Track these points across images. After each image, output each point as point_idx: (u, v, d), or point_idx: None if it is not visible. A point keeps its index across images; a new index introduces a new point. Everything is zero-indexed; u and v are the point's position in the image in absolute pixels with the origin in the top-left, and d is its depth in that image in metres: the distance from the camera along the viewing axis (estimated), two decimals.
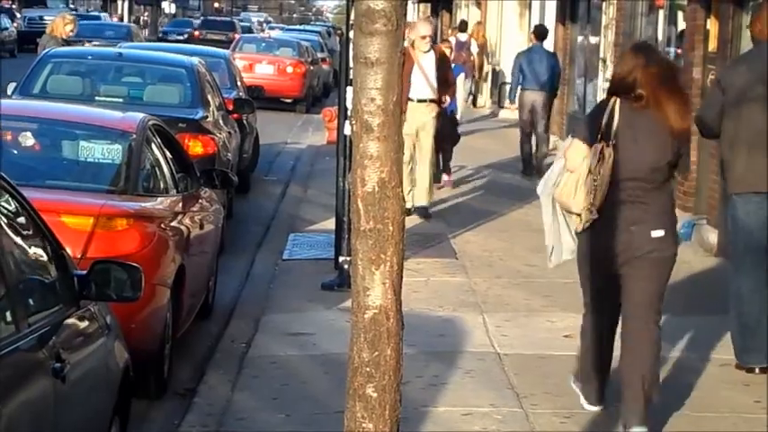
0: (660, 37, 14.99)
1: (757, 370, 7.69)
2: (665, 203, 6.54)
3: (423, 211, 13.28)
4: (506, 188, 15.91)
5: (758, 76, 7.58)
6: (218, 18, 66.39)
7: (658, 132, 6.41)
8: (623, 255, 6.43)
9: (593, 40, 19.49)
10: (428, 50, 13.36)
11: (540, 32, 17.79)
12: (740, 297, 7.68)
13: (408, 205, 12.57)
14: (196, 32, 51.05)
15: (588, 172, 6.41)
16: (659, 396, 6.59)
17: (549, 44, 19.66)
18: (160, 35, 45.08)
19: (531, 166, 16.91)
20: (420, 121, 13.28)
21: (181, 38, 42.30)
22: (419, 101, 13.29)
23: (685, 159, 6.96)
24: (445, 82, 13.52)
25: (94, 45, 25.30)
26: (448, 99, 13.79)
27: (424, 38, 13.40)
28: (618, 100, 6.45)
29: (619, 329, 6.69)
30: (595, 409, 6.94)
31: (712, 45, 12.66)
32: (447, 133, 14.68)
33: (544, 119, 17.01)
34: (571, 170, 6.50)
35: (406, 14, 4.44)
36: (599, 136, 6.41)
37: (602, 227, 6.45)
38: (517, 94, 17.17)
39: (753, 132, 7.53)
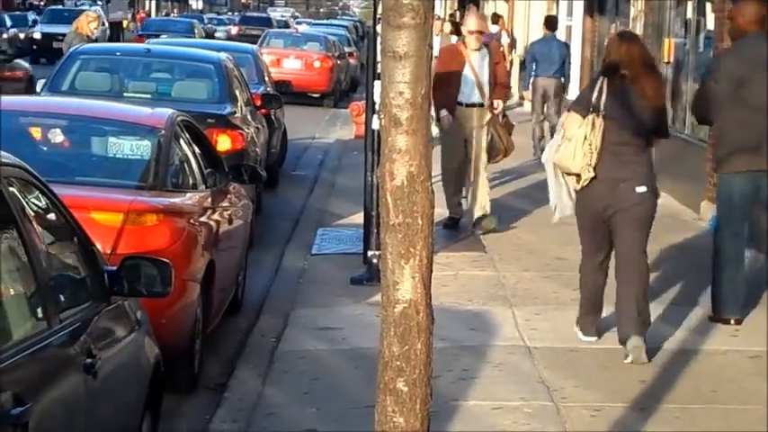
0: (689, 28, 14.92)
1: (732, 321, 8.65)
2: (647, 164, 7.88)
3: (482, 220, 12.18)
4: (534, 181, 15.87)
5: (749, 65, 8.39)
6: (256, 14, 67.84)
7: (638, 105, 7.75)
8: (614, 206, 7.82)
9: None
10: (479, 48, 12.06)
11: (551, 23, 18.68)
12: (721, 259, 8.65)
13: (478, 213, 12.11)
14: (236, 28, 52.13)
15: (584, 138, 7.73)
16: (649, 321, 7.96)
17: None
18: (140, 34, 40.55)
19: (541, 149, 17.09)
20: (468, 129, 12.05)
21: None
22: (468, 105, 12.03)
23: (663, 127, 8.04)
24: (499, 84, 12.17)
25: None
26: (500, 104, 12.16)
27: (472, 33, 12.09)
28: (605, 79, 7.79)
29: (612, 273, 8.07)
30: (591, 339, 8.26)
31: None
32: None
33: (555, 104, 17.77)
34: (569, 138, 7.81)
35: (433, 8, 4.43)
36: (591, 109, 7.76)
37: (597, 184, 7.81)
38: (530, 82, 18.22)
39: (739, 117, 8.38)
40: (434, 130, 10.55)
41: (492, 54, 12.17)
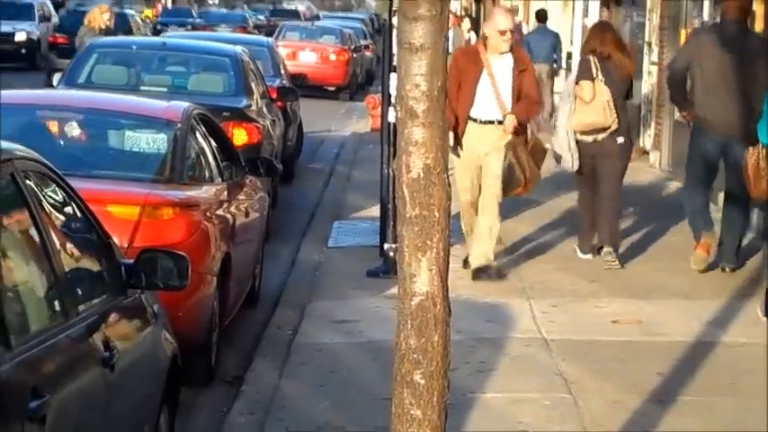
0: (706, 19, 14.86)
1: (727, 270, 10.07)
2: (624, 119, 10.32)
3: (482, 273, 9.90)
4: (549, 174, 15.83)
5: (720, 42, 9.91)
6: (287, 8, 70.81)
7: (617, 74, 10.29)
8: (600, 153, 10.31)
9: (637, 23, 19.38)
10: (506, 51, 9.87)
11: (542, 15, 21.76)
12: (691, 205, 10.22)
13: (477, 262, 9.95)
14: (268, 21, 55.11)
15: (605, 98, 10.17)
16: (619, 241, 10.51)
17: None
18: (158, 27, 42.68)
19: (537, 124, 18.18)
20: (481, 151, 9.86)
21: (182, 29, 38.63)
22: (483, 122, 9.85)
23: (629, 90, 10.63)
24: (525, 97, 9.83)
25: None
26: (513, 121, 9.76)
27: (503, 33, 9.79)
28: (594, 57, 10.25)
29: None
30: (587, 257, 10.58)
31: (759, 26, 12.53)
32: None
33: (548, 86, 20.32)
34: (587, 101, 10.16)
35: (450, 0, 4.41)
36: (594, 77, 10.22)
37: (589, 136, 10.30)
38: None
39: (713, 86, 9.84)
40: None
41: (517, 60, 9.90)
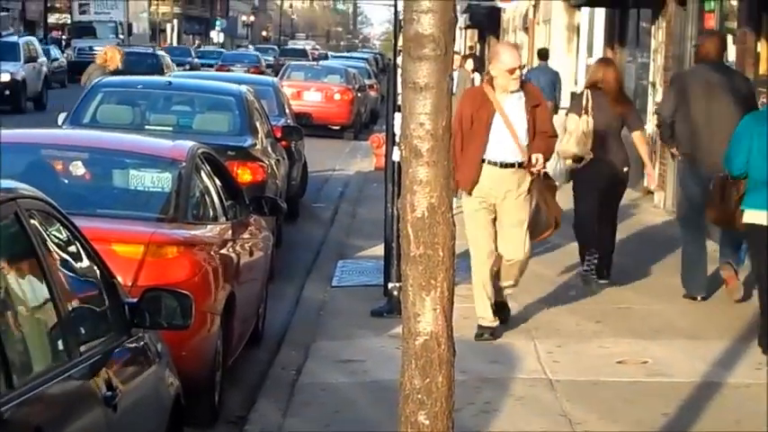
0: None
1: (699, 298, 10.47)
2: (621, 147, 11.08)
3: (489, 331, 9.27)
4: None
5: (704, 83, 10.40)
6: (296, 47, 75.01)
7: (610, 108, 10.99)
8: (604, 178, 11.00)
9: (641, 63, 19.42)
10: (516, 90, 9.20)
11: (543, 54, 22.42)
12: (685, 244, 10.70)
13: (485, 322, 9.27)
14: (277, 61, 57.71)
15: (582, 131, 10.85)
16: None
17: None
18: (221, 64, 48.45)
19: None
20: (498, 196, 9.13)
21: (179, 69, 39.40)
22: (504, 166, 9.13)
23: (628, 122, 11.26)
24: (540, 134, 9.18)
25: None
26: (540, 159, 9.10)
27: (512, 72, 9.08)
28: (589, 91, 11.04)
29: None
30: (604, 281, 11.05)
31: (763, 68, 12.57)
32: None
33: None
34: (570, 132, 10.87)
35: (454, 40, 4.42)
36: (582, 111, 10.92)
37: (591, 162, 10.89)
38: None
39: (699, 125, 10.32)
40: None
41: (529, 96, 9.23)
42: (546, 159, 9.27)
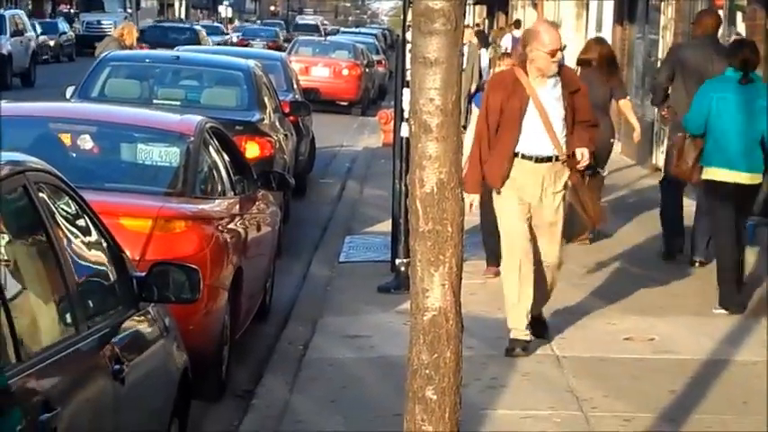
0: (721, 37, 14.82)
1: (697, 264, 10.88)
2: (609, 121, 11.70)
3: (522, 345, 8.21)
4: None
5: (700, 56, 10.87)
6: (307, 22, 74.72)
7: (600, 85, 11.62)
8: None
9: (651, 40, 19.37)
10: (555, 74, 8.09)
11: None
12: (665, 207, 11.34)
13: (519, 334, 8.20)
14: (290, 35, 57.96)
15: None
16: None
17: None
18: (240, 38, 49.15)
19: None
20: (533, 193, 8.14)
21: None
22: (539, 160, 8.10)
23: (616, 93, 12.11)
24: (581, 123, 8.18)
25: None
26: (585, 154, 8.11)
27: (553, 54, 7.99)
28: (580, 68, 11.74)
29: None
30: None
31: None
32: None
33: None
34: None
35: (464, 14, 4.41)
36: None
37: None
38: None
39: (692, 93, 10.11)
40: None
41: (567, 81, 8.18)
42: (591, 152, 8.21)
